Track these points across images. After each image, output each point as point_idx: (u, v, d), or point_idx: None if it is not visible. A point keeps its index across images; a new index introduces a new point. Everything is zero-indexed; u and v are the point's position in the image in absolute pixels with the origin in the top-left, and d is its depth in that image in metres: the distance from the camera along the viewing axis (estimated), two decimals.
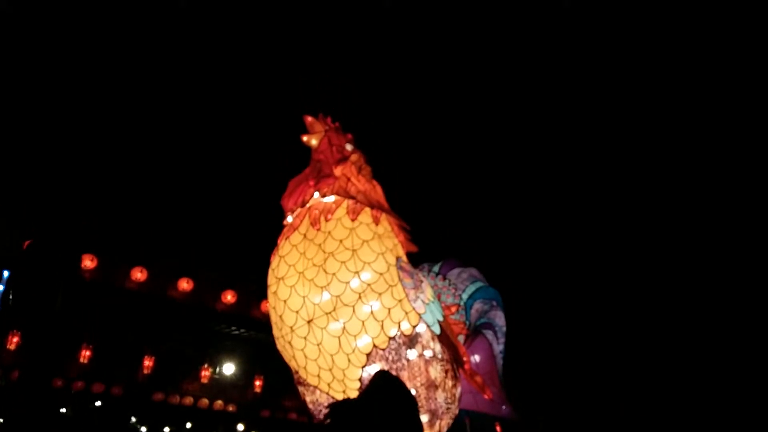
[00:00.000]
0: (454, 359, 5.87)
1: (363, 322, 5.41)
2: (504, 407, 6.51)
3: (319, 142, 6.24)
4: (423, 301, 5.66)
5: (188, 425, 16.49)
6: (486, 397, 6.31)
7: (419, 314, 5.60)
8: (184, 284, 9.26)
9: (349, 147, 6.27)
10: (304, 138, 6.26)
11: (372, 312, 5.43)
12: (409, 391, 3.14)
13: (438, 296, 6.75)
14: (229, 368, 17.65)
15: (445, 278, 6.99)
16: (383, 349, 5.43)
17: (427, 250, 7.93)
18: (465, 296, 6.89)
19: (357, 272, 5.46)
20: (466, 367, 6.18)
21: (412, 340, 5.54)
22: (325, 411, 5.74)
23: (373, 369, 5.45)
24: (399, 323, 5.50)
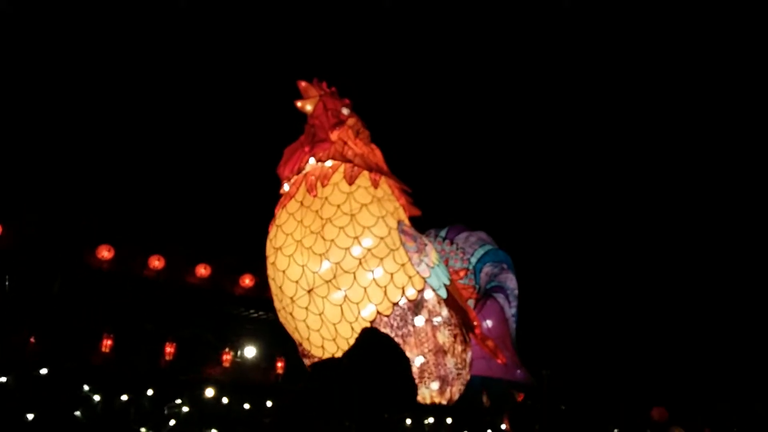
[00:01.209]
0: (463, 324, 5.65)
1: (365, 288, 5.21)
2: (518, 371, 6.29)
3: (313, 107, 6.00)
4: (427, 265, 5.43)
5: None
6: (499, 361, 6.09)
7: (424, 278, 5.38)
8: (202, 270, 9.09)
9: (345, 111, 6.02)
10: (298, 104, 6.01)
11: (374, 278, 5.23)
12: (398, 348, 2.93)
13: (446, 261, 6.52)
14: (250, 351, 17.66)
15: (452, 243, 6.75)
16: (388, 316, 5.23)
17: (434, 216, 7.72)
18: (474, 260, 6.65)
19: (356, 237, 5.25)
20: (477, 331, 5.95)
21: (417, 306, 5.33)
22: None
23: None
24: (403, 288, 5.29)
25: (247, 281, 12.09)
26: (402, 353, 2.93)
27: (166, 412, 6.88)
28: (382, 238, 5.29)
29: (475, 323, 6.05)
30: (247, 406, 7.46)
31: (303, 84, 6.04)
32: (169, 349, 9.03)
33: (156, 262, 8.57)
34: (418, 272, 5.35)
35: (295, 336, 5.64)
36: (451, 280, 5.69)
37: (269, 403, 7.32)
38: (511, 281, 6.80)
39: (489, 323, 6.54)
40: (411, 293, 5.30)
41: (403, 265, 5.30)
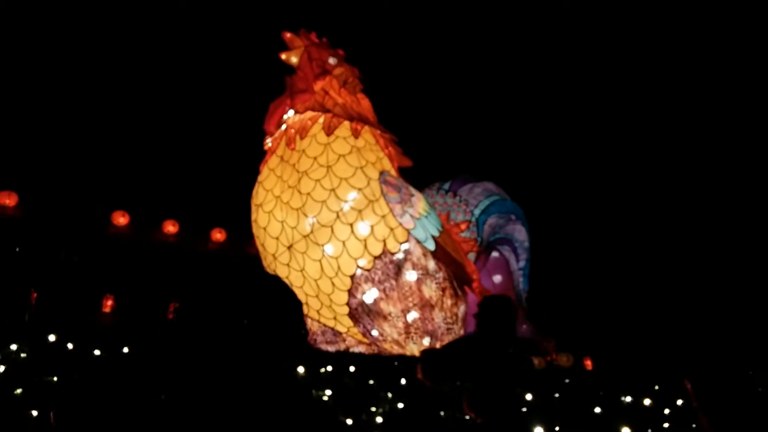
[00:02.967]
0: (455, 277, 5.35)
1: (344, 242, 4.98)
2: (524, 326, 5.95)
3: (299, 58, 5.75)
4: (412, 216, 5.14)
5: None
6: None
7: (407, 230, 5.10)
8: (217, 235, 9.03)
9: (332, 61, 5.72)
10: (283, 56, 5.76)
11: (353, 231, 4.99)
12: (288, 292, 2.67)
13: (446, 215, 6.21)
14: None
15: (455, 195, 6.40)
16: (368, 270, 5.00)
17: (441, 170, 7.39)
18: (477, 212, 6.28)
19: (333, 189, 5.02)
20: (475, 285, 5.64)
21: (400, 259, 5.07)
22: (320, 339, 5.44)
23: (361, 292, 5.06)
24: (384, 241, 5.04)
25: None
26: (293, 299, 2.63)
27: None
28: (360, 189, 5.04)
29: (474, 276, 5.75)
30: None
31: (288, 35, 5.76)
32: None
33: (171, 227, 8.55)
34: (400, 224, 5.07)
35: None
36: (441, 232, 5.38)
37: None
38: (519, 233, 6.41)
39: (498, 278, 6.23)
40: (393, 245, 5.04)
41: (383, 216, 5.03)
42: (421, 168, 7.30)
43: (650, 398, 5.13)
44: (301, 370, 3.90)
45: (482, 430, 2.76)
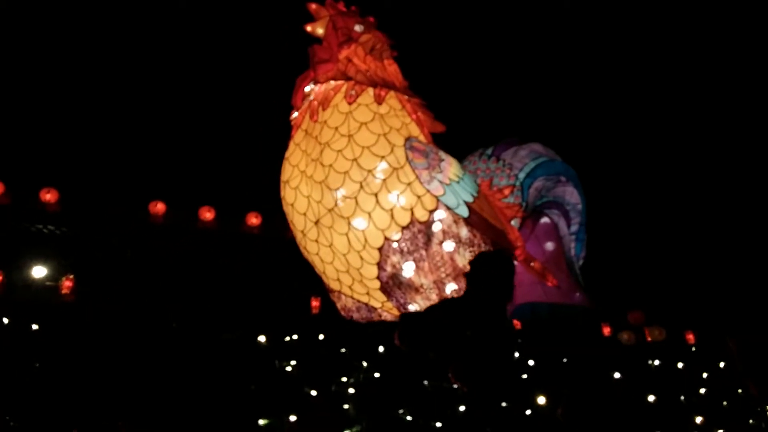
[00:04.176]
0: (493, 244, 5.01)
1: (369, 213, 4.76)
2: (577, 295, 5.52)
3: (324, 29, 5.56)
4: (441, 182, 4.85)
5: None
6: (549, 284, 5.38)
7: (436, 197, 4.81)
8: (253, 219, 8.92)
9: (358, 28, 5.47)
10: (308, 28, 5.59)
11: (378, 201, 4.76)
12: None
13: (490, 180, 5.86)
14: None
15: (498, 159, 6.03)
16: (397, 241, 4.76)
17: (490, 134, 6.98)
18: (522, 175, 5.88)
19: (355, 159, 4.80)
20: (518, 252, 5.27)
21: (429, 227, 4.79)
22: (356, 316, 5.27)
23: (390, 265, 4.83)
24: (411, 210, 4.77)
25: None
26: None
27: None
28: (382, 157, 4.79)
29: (518, 243, 5.38)
30: None
31: (314, 6, 5.57)
32: None
33: (207, 214, 8.49)
34: (428, 190, 4.79)
35: (317, 271, 5.37)
36: (476, 198, 5.04)
37: None
38: (571, 195, 5.95)
39: (550, 245, 5.83)
40: (421, 214, 4.77)
41: (409, 184, 4.76)
42: (469, 133, 6.96)
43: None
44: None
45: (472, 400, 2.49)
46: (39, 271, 7.10)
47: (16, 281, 6.89)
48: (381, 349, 3.85)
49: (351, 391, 3.45)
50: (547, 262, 5.47)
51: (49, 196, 7.99)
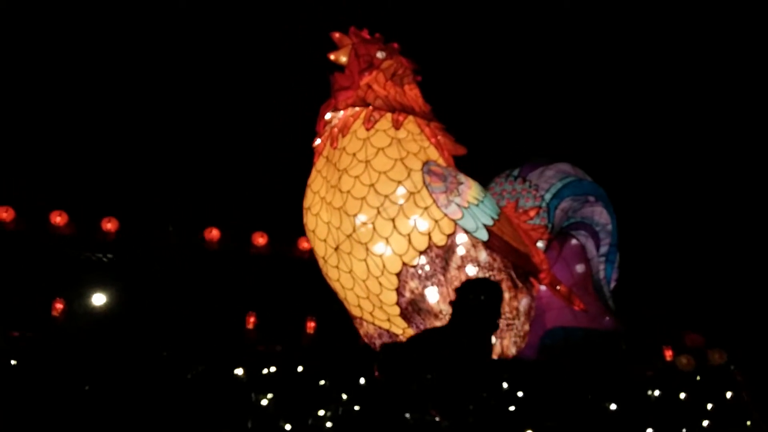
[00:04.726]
0: (515, 267, 4.92)
1: (386, 238, 4.76)
2: (606, 319, 5.34)
3: (347, 56, 5.64)
4: (459, 205, 4.80)
5: None
6: (575, 308, 5.23)
7: (454, 220, 4.77)
8: (304, 243, 8.94)
9: (380, 55, 5.53)
10: (332, 56, 5.67)
11: (395, 226, 4.75)
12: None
13: (516, 202, 5.77)
14: None
15: (525, 180, 5.93)
16: (414, 267, 4.73)
17: (517, 156, 6.86)
18: (548, 196, 5.76)
19: (372, 185, 4.82)
20: (543, 275, 5.15)
21: (448, 252, 4.74)
22: (378, 343, 5.23)
23: (408, 291, 4.80)
24: (429, 235, 4.74)
25: None
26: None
27: None
28: (399, 182, 4.79)
29: (543, 266, 5.25)
30: None
31: (337, 35, 5.67)
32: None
33: (260, 239, 8.62)
34: (446, 215, 4.75)
35: (339, 298, 5.38)
36: (497, 220, 4.96)
37: None
38: (600, 215, 5.79)
39: (580, 267, 5.68)
40: (439, 238, 4.73)
41: (426, 208, 4.74)
42: (495, 155, 6.87)
43: None
44: None
45: None
46: (98, 299, 7.27)
47: (77, 309, 7.12)
48: (362, 381, 3.78)
49: (329, 425, 3.40)
50: (574, 286, 5.33)
51: (110, 225, 8.30)
